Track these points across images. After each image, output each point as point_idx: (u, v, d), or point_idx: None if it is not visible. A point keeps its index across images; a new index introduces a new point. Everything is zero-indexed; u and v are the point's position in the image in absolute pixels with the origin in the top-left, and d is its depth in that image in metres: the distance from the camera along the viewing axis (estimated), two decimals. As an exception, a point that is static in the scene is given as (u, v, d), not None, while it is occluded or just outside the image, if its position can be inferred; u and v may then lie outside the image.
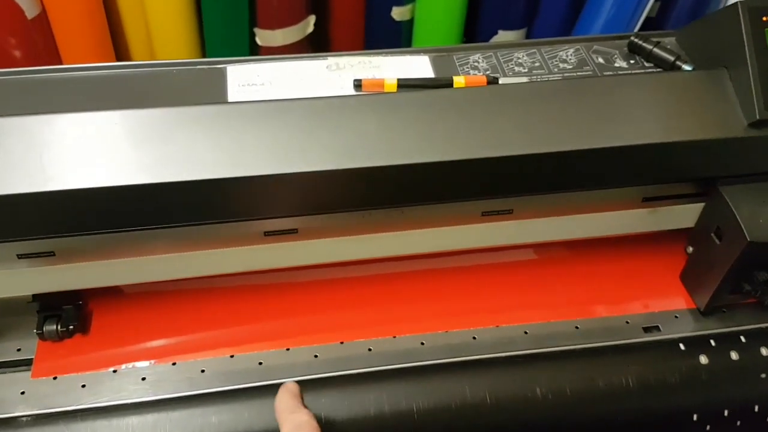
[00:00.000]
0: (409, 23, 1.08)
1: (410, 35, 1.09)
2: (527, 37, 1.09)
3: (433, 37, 1.06)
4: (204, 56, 1.06)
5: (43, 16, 0.96)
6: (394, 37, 1.10)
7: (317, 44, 1.11)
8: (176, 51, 1.04)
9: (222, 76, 0.55)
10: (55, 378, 0.53)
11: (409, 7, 1.06)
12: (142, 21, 1.02)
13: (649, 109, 0.52)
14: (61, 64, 0.99)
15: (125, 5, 1.02)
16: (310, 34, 1.04)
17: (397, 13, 1.06)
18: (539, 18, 1.08)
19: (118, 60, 1.06)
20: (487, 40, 1.09)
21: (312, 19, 1.03)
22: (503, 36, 1.07)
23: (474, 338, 0.58)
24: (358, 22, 1.09)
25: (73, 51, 1.00)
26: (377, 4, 1.06)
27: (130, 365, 0.54)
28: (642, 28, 0.99)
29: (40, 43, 0.97)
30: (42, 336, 0.54)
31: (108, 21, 1.01)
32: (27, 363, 0.54)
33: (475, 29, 1.10)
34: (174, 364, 0.54)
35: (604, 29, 1.00)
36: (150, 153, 0.46)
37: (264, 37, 1.01)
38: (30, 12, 0.93)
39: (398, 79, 0.56)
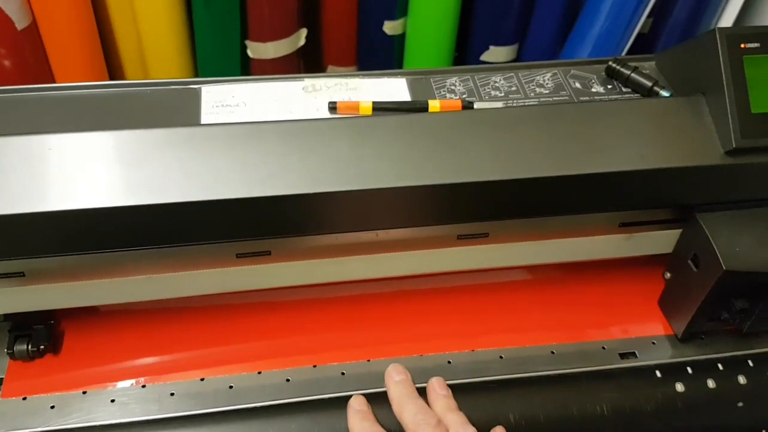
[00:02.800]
0: (401, 37, 1.08)
1: (402, 49, 1.09)
2: (519, 52, 1.09)
3: (425, 51, 1.06)
4: (196, 68, 1.06)
5: (33, 28, 0.96)
6: (386, 51, 1.10)
7: (309, 58, 1.11)
8: (168, 62, 1.04)
9: (196, 96, 0.55)
10: (24, 398, 0.53)
11: (401, 21, 1.05)
12: (133, 30, 1.02)
13: (626, 135, 0.52)
14: (51, 75, 1.00)
15: (116, 16, 1.02)
16: (302, 47, 1.04)
17: (389, 27, 1.06)
18: (531, 34, 1.08)
19: (110, 70, 1.06)
20: (478, 55, 1.08)
21: (303, 32, 1.03)
22: (494, 51, 1.07)
23: (449, 362, 0.57)
24: (350, 35, 1.09)
25: (64, 63, 1.00)
26: (369, 18, 1.05)
27: (100, 387, 0.54)
28: (634, 45, 0.98)
29: (30, 54, 0.97)
30: (12, 355, 0.54)
31: (99, 32, 1.01)
32: (-3, 383, 0.54)
33: (467, 44, 1.09)
34: (144, 386, 0.54)
35: (596, 44, 0.99)
36: (119, 176, 0.46)
37: (255, 49, 1.01)
38: (20, 23, 0.93)
39: (373, 102, 0.55)
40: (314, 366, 0.56)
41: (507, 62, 1.09)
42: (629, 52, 1.00)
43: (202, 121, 0.53)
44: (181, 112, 0.54)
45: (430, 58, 1.06)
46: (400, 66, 1.11)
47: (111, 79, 1.05)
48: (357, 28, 1.08)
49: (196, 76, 1.06)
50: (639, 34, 0.99)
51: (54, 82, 1.00)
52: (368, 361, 0.57)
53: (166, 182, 0.46)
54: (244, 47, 1.01)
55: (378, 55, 1.11)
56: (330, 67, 1.13)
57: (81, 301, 0.52)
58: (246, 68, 1.05)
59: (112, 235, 0.47)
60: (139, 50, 1.05)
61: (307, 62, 1.12)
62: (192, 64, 1.06)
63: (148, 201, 0.45)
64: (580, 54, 1.01)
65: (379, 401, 0.53)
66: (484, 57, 1.08)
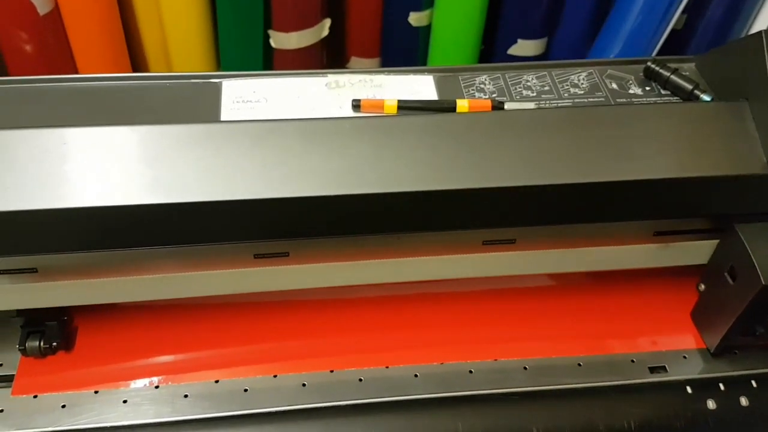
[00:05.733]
0: (427, 29, 1.06)
1: (428, 41, 1.07)
2: (547, 47, 1.06)
3: (451, 43, 1.04)
4: (218, 58, 1.05)
5: (55, 13, 0.95)
6: (410, 43, 1.08)
7: (332, 49, 1.09)
8: (190, 51, 1.03)
9: (217, 91, 0.53)
10: (35, 396, 0.52)
11: (426, 12, 1.03)
12: (156, 18, 1.01)
13: (663, 141, 0.50)
14: (73, 63, 0.99)
15: (139, 3, 1.01)
16: (326, 37, 1.02)
17: (415, 18, 1.04)
18: (561, 27, 1.05)
19: (132, 58, 1.05)
20: (506, 48, 1.06)
21: (327, 22, 1.01)
22: (523, 45, 1.04)
23: (470, 372, 0.55)
24: (375, 26, 1.07)
25: (86, 51, 0.99)
26: (394, 9, 1.03)
27: (112, 386, 0.53)
28: (667, 42, 0.95)
29: (51, 40, 0.96)
30: (24, 352, 0.53)
31: (122, 21, 1.00)
32: (8, 379, 0.53)
33: (494, 37, 1.07)
34: (157, 387, 0.53)
35: (628, 40, 0.97)
36: (135, 173, 0.44)
37: (278, 39, 1.00)
38: (42, 8, 0.92)
39: (399, 101, 0.53)
40: (331, 371, 0.54)
41: (537, 57, 1.07)
42: (662, 50, 0.97)
43: (222, 117, 0.51)
44: (201, 107, 0.52)
45: (456, 51, 1.04)
46: (424, 58, 1.09)
47: (133, 68, 1.04)
48: (382, 19, 1.05)
49: (219, 66, 1.05)
50: (672, 31, 0.96)
51: (76, 70, 0.99)
52: (387, 367, 0.55)
53: (182, 181, 0.45)
54: (267, 37, 1.00)
55: (402, 46, 1.08)
56: (353, 59, 1.11)
57: (94, 299, 0.51)
58: (269, 59, 1.03)
59: (126, 233, 0.46)
60: (162, 39, 1.03)
61: (331, 53, 1.10)
62: (215, 54, 1.05)
63: (164, 200, 0.44)
64: (611, 50, 0.98)
65: (398, 410, 0.52)
66: (511, 51, 1.05)
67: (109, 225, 0.45)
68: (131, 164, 0.44)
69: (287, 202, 0.45)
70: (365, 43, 1.10)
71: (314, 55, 1.03)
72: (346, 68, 1.08)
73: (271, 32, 0.99)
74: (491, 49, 1.08)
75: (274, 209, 0.46)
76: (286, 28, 0.99)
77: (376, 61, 1.11)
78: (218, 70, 1.06)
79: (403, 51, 1.09)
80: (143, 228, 0.46)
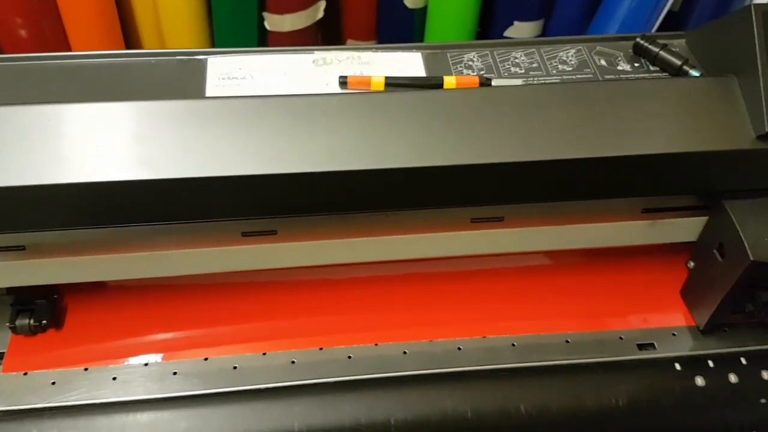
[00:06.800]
0: (423, 11, 1.05)
1: (423, 23, 1.06)
2: (544, 29, 1.05)
3: (447, 25, 1.03)
4: (213, 41, 1.05)
5: (49, -4, 0.95)
6: (406, 25, 1.07)
7: (327, 31, 1.08)
8: (184, 33, 1.03)
9: (202, 67, 0.53)
10: (25, 374, 0.52)
11: (422, -6, 1.03)
12: (150, 4, 1.01)
13: (651, 117, 0.49)
14: (68, 46, 0.99)
15: (133, -15, 1.01)
16: (321, 20, 1.02)
17: (411, 0, 1.03)
18: (557, 9, 1.04)
19: (126, 39, 1.05)
20: (502, 30, 1.05)
21: (322, 4, 1.01)
22: (519, 27, 1.04)
23: (459, 349, 0.55)
24: (370, 8, 1.07)
25: (81, 34, 0.99)
26: (390, -9, 1.03)
27: (102, 363, 0.53)
28: (664, 23, 0.95)
29: (46, 24, 0.96)
30: (14, 330, 0.53)
31: (116, 3, 1.00)
32: (-1, 357, 0.53)
33: (491, 19, 1.06)
34: (146, 364, 0.53)
35: (625, 21, 0.96)
36: (122, 150, 0.44)
37: (273, 21, 0.99)
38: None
39: (386, 78, 0.53)
40: (320, 348, 0.55)
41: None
42: (659, 30, 0.96)
43: (207, 94, 0.51)
44: (185, 83, 0.52)
45: (452, 33, 1.03)
46: (420, 40, 1.08)
47: (126, 47, 1.03)
48: (377, 1, 1.05)
49: (213, 47, 1.05)
50: (669, 12, 0.95)
51: (69, 49, 0.99)
52: (376, 345, 0.55)
53: (169, 157, 0.44)
54: (262, 19, 0.99)
55: (398, 29, 1.08)
56: (349, 41, 1.10)
57: (82, 277, 0.51)
58: (263, 41, 1.03)
59: (113, 210, 0.46)
60: (156, 23, 1.03)
61: (326, 36, 1.10)
62: (209, 36, 1.05)
63: (150, 176, 0.44)
64: (608, 31, 0.98)
65: (387, 386, 0.52)
66: (508, 33, 1.05)
67: (96, 202, 0.45)
68: (117, 141, 0.44)
69: (274, 178, 0.45)
70: (361, 26, 1.09)
71: (309, 37, 1.03)
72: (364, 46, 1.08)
73: (265, 14, 0.99)
74: (487, 32, 1.08)
75: (261, 186, 0.46)
76: (280, 10, 0.98)
77: (372, 43, 1.11)
78: (213, 52, 1.05)
79: (399, 33, 1.08)
80: (130, 205, 0.45)
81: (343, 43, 1.11)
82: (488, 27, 1.07)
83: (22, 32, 0.96)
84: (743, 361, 0.55)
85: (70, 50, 0.98)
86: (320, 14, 1.01)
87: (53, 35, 0.97)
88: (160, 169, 0.44)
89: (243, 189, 0.46)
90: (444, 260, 0.60)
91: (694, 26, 1.02)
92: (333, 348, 0.55)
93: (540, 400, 0.52)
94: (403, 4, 1.03)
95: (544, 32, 1.07)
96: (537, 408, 0.52)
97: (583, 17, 1.04)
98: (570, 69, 0.56)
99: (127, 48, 1.04)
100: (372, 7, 1.06)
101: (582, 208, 0.53)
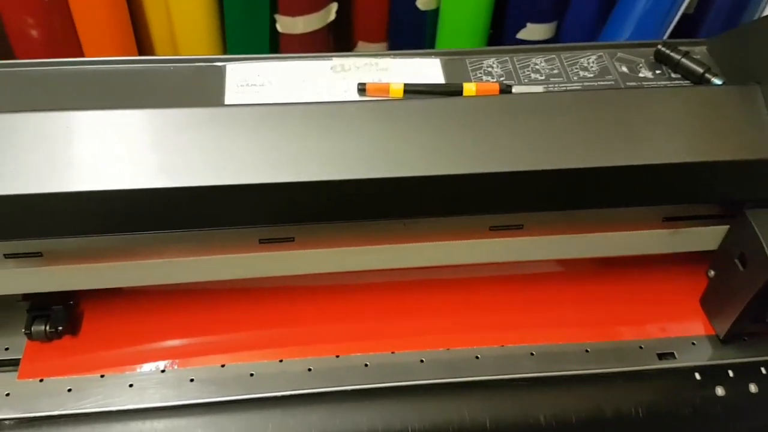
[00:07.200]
0: (435, 13, 1.04)
1: (435, 25, 1.06)
2: (557, 30, 1.05)
3: (459, 27, 1.03)
4: (225, 43, 1.04)
5: (61, -3, 0.95)
6: (418, 27, 1.07)
7: (339, 33, 1.08)
8: (197, 36, 1.03)
9: (221, 74, 0.53)
10: (41, 380, 0.52)
11: (435, -4, 1.02)
12: (162, 2, 1.01)
13: (673, 125, 0.49)
14: (80, 48, 0.98)
15: (145, -12, 1.01)
16: (332, 22, 1.01)
17: (422, 2, 1.03)
18: (571, 11, 1.04)
19: (138, 43, 1.04)
20: (515, 32, 1.05)
21: (334, 6, 1.00)
22: (532, 29, 1.03)
23: (477, 357, 0.55)
24: (382, 10, 1.06)
25: (93, 35, 0.99)
26: (401, -7, 1.02)
27: (118, 370, 0.53)
28: (679, 25, 0.94)
29: (57, 25, 0.95)
30: (30, 336, 0.53)
31: (128, 4, 1.00)
32: (14, 363, 0.53)
33: (503, 21, 1.06)
34: (163, 371, 0.53)
35: (639, 23, 0.95)
36: (140, 157, 0.44)
37: (285, 24, 0.99)
38: (48, -8, 0.92)
39: (405, 84, 0.53)
40: (337, 356, 0.54)
41: (546, 41, 1.05)
42: (673, 33, 0.96)
43: (226, 101, 0.51)
44: (204, 91, 0.52)
45: (464, 35, 1.03)
46: (432, 42, 1.08)
47: (139, 52, 1.03)
48: (389, 3, 1.04)
49: (225, 51, 1.04)
50: (684, 15, 0.95)
51: (82, 54, 0.99)
52: (393, 353, 0.55)
53: (187, 165, 0.44)
54: (274, 21, 0.99)
55: (410, 30, 1.07)
56: (360, 43, 1.10)
57: (98, 283, 0.51)
58: (275, 43, 1.03)
59: (130, 217, 0.45)
60: (168, 24, 1.03)
61: (337, 38, 1.09)
62: (221, 39, 1.04)
63: (169, 184, 0.44)
64: (622, 34, 0.97)
65: (404, 395, 0.51)
66: (520, 35, 1.04)
67: (113, 209, 0.45)
68: (135, 148, 0.44)
69: (292, 186, 0.45)
70: (372, 28, 1.09)
71: (321, 39, 1.03)
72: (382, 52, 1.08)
73: (277, 16, 0.99)
74: (500, 34, 1.07)
75: (279, 194, 0.46)
76: (292, 12, 0.98)
77: (383, 45, 1.11)
78: (225, 54, 1.05)
79: (410, 35, 1.08)
80: (148, 212, 0.45)
81: (354, 46, 1.11)
82: (501, 29, 1.07)
83: (34, 32, 0.95)
84: (763, 370, 0.54)
85: (82, 55, 0.98)
86: (332, 16, 1.01)
87: (65, 39, 0.97)
88: (177, 177, 0.44)
89: (261, 197, 0.46)
90: (461, 267, 0.60)
91: (708, 28, 1.01)
92: (350, 356, 0.54)
93: (560, 410, 0.52)
94: (415, 5, 1.03)
95: (557, 34, 1.07)
96: (556, 418, 0.51)
97: (597, 19, 1.03)
98: (591, 76, 0.55)
99: (140, 53, 1.04)
100: (383, 9, 1.06)
101: (602, 216, 0.53)
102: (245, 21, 1.01)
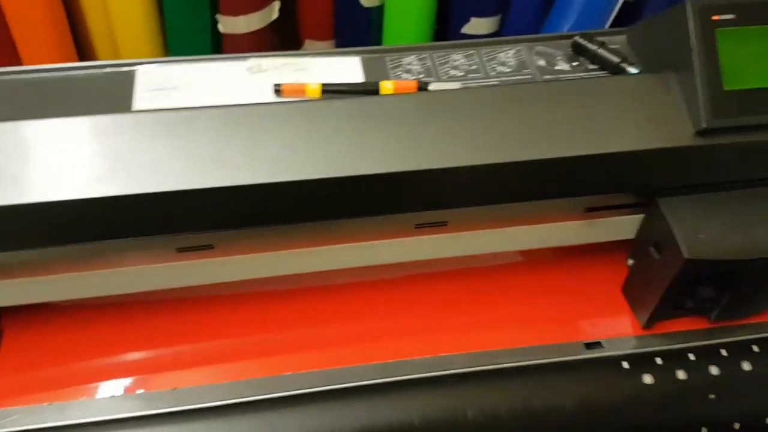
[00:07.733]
0: (380, 9, 1.04)
1: (381, 21, 1.06)
2: (501, 24, 1.05)
3: (404, 23, 1.02)
4: (166, 46, 1.03)
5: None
6: (364, 24, 1.07)
7: (284, 32, 1.07)
8: (138, 38, 1.01)
9: (130, 79, 0.52)
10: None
11: (377, -8, 1.02)
12: (101, 4, 0.99)
13: (589, 116, 0.49)
14: (19, 59, 0.97)
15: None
16: (278, 21, 1.00)
17: (366, -1, 1.02)
18: (513, 4, 1.04)
19: (78, 48, 1.03)
20: (460, 27, 1.05)
21: (277, 5, 0.99)
22: (476, 23, 1.03)
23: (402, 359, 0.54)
24: (327, 8, 1.06)
25: (32, 45, 0.97)
26: (345, -11, 1.02)
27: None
28: (620, 14, 0.94)
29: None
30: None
31: (66, 9, 0.98)
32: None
33: (448, 16, 1.06)
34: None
35: (582, 13, 0.96)
36: (44, 169, 0.43)
37: (226, 24, 0.98)
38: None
39: (322, 84, 0.52)
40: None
41: (490, 35, 1.06)
42: (615, 22, 0.96)
43: (135, 107, 0.50)
44: (112, 96, 0.51)
45: (410, 31, 1.02)
46: (380, 39, 1.07)
47: (78, 55, 1.02)
48: (333, 0, 1.04)
49: (167, 52, 1.03)
50: (625, 3, 0.95)
51: (19, 59, 0.97)
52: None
53: (97, 174, 0.43)
54: (215, 22, 0.98)
55: (356, 27, 1.07)
56: (307, 42, 1.09)
57: (11, 300, 0.50)
58: (218, 44, 1.01)
59: (41, 231, 0.44)
60: (108, 26, 1.01)
61: (283, 37, 1.08)
62: (162, 40, 1.03)
63: (78, 196, 0.43)
64: (564, 25, 0.97)
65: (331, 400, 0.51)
66: (465, 29, 1.04)
67: (21, 223, 0.44)
68: (35, 160, 0.43)
69: (207, 192, 0.44)
70: (318, 26, 1.08)
71: (264, 39, 1.02)
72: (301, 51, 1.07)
73: (218, 16, 0.98)
74: (445, 28, 1.07)
75: (195, 200, 0.45)
76: (233, 12, 0.97)
77: (330, 43, 1.10)
78: (167, 56, 1.04)
79: (356, 32, 1.07)
80: (59, 225, 0.44)
81: (301, 44, 1.10)
82: (446, 24, 1.07)
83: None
84: (691, 357, 0.54)
85: (20, 63, 0.96)
86: (275, 15, 1.00)
87: (1, 48, 0.95)
88: (89, 188, 0.43)
89: (177, 204, 0.45)
90: (385, 268, 0.59)
91: (649, 15, 1.02)
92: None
93: (487, 404, 0.51)
94: (359, 2, 1.02)
95: (501, 28, 1.07)
96: (484, 413, 0.51)
97: (540, 12, 1.03)
98: (509, 70, 0.55)
99: (79, 55, 1.03)
100: (328, 6, 1.05)
101: (526, 209, 0.53)
102: (186, 21, 0.99)
